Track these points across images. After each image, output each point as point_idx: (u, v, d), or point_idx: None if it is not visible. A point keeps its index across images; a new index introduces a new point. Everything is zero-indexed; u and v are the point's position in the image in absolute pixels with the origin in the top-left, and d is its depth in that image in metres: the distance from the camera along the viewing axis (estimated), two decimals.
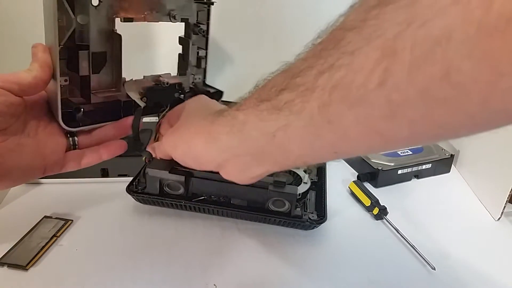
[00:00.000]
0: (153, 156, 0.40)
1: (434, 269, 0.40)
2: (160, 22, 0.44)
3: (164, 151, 0.38)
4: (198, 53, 0.50)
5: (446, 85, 0.17)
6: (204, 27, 0.49)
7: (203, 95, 0.43)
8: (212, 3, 0.49)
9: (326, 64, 0.21)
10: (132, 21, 0.40)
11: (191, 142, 0.34)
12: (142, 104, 0.43)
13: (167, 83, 0.47)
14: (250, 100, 0.28)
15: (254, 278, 0.39)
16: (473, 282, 0.40)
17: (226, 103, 0.41)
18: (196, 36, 0.49)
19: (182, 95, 0.49)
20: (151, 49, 0.69)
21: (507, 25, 0.14)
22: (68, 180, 0.50)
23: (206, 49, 0.51)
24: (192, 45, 0.50)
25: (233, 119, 0.29)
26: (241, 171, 0.32)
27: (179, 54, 0.50)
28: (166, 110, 0.44)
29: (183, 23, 0.48)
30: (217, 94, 0.51)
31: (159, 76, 0.47)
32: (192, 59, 0.50)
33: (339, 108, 0.21)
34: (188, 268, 0.39)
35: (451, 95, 0.17)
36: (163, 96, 0.46)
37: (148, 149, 0.41)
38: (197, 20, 0.49)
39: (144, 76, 0.46)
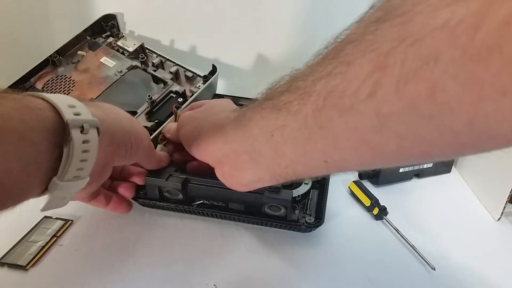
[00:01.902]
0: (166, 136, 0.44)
1: (434, 269, 0.40)
2: None
3: (177, 128, 0.40)
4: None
5: (432, 103, 0.17)
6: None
7: (229, 99, 0.45)
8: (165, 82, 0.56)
9: (325, 71, 0.22)
10: None
11: (202, 127, 0.35)
12: (150, 124, 0.51)
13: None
14: (258, 100, 0.29)
15: (254, 278, 0.39)
16: (473, 282, 0.40)
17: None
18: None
19: (181, 99, 0.54)
20: None
21: (489, 54, 0.15)
22: None
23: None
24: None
25: (241, 115, 0.31)
26: (236, 171, 0.32)
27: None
28: (182, 108, 0.49)
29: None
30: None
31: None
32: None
33: (331, 114, 0.22)
34: (188, 268, 0.39)
35: (437, 113, 0.18)
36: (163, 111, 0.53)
37: (166, 127, 0.44)
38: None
39: None
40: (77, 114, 0.27)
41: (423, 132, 0.19)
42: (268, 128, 0.27)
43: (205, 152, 0.34)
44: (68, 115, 0.26)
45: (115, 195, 0.41)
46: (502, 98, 0.15)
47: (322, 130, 0.23)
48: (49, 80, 0.56)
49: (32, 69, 0.56)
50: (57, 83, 0.56)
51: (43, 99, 0.26)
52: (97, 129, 0.28)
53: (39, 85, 0.56)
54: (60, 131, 0.26)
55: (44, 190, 0.27)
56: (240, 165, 0.31)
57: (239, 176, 0.32)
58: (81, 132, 0.27)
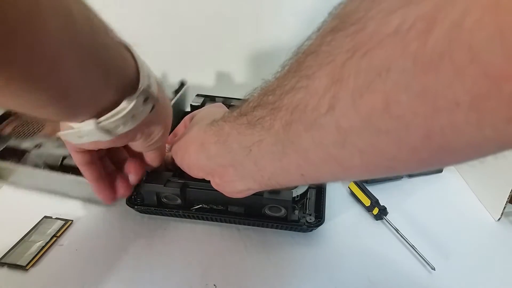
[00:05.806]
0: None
1: (434, 269, 0.40)
2: None
3: (173, 158, 0.39)
4: None
5: (387, 117, 0.17)
6: None
7: (220, 103, 0.44)
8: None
9: (289, 86, 0.22)
10: None
11: (187, 149, 0.35)
12: None
13: None
14: (234, 113, 0.29)
15: (253, 278, 0.39)
16: (473, 282, 0.40)
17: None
18: None
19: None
20: None
21: (440, 61, 0.14)
22: None
23: None
24: None
25: (220, 130, 0.30)
26: (226, 182, 0.32)
27: None
28: None
29: None
30: None
31: None
32: None
33: (298, 129, 0.22)
34: (188, 268, 0.39)
35: (393, 128, 0.17)
36: None
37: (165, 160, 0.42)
38: None
39: None
40: (149, 87, 0.29)
41: (382, 147, 0.18)
42: (246, 143, 0.27)
43: (195, 171, 0.35)
44: (143, 83, 0.28)
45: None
46: (456, 110, 0.14)
47: (293, 145, 0.23)
48: (18, 125, 0.52)
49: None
50: (27, 126, 0.53)
51: (135, 61, 0.28)
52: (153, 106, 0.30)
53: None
54: (131, 90, 0.27)
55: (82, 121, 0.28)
56: (228, 177, 0.31)
57: (231, 186, 0.32)
58: (144, 101, 0.28)
